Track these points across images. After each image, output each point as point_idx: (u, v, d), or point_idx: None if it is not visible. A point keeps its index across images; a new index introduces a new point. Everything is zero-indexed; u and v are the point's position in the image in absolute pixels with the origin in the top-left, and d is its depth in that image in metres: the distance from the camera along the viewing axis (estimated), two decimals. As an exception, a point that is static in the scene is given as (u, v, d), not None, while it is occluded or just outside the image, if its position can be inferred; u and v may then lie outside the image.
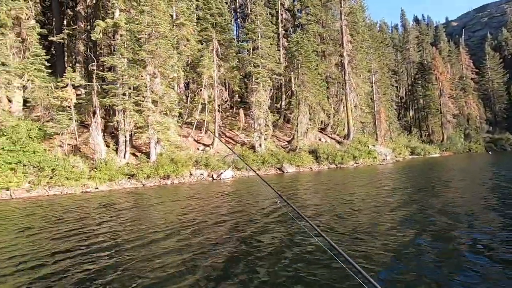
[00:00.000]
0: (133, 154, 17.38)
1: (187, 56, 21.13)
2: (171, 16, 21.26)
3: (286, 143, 24.96)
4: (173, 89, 20.98)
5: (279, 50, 27.41)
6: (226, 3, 28.41)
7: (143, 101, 16.02)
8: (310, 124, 26.93)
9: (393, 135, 45.47)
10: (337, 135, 29.52)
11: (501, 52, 77.04)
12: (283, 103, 28.08)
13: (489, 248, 4.94)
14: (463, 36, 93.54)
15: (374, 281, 1.63)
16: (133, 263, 4.75)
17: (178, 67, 20.82)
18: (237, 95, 28.56)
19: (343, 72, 28.35)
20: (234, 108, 27.61)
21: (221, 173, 17.76)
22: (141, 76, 15.99)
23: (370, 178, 16.86)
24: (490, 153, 45.12)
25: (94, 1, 20.28)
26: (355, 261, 2.04)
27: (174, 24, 20.97)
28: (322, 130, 29.52)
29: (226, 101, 22.31)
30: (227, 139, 23.36)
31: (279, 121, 27.44)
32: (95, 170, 14.76)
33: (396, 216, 7.33)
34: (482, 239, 5.34)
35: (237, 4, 32.77)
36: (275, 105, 30.65)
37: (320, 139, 27.39)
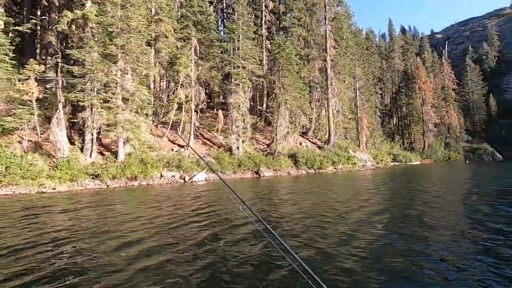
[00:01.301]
0: (101, 153, 16.53)
1: (165, 53, 20.44)
2: (151, 11, 20.58)
3: (266, 146, 24.56)
4: (148, 87, 20.25)
5: (262, 52, 27.12)
6: (212, 2, 27.98)
7: (111, 98, 15.24)
8: (291, 128, 26.66)
9: (377, 142, 45.93)
10: (319, 139, 29.38)
11: (481, 65, 79.75)
12: (265, 105, 27.72)
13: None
14: (446, 48, 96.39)
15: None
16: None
17: (152, 64, 20.17)
18: (219, 96, 28.00)
19: (325, 77, 28.28)
20: (215, 109, 27.03)
21: (194, 175, 17.12)
22: (111, 71, 15.22)
23: (345, 184, 16.62)
24: (467, 162, 46.21)
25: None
26: (305, 261, 2.08)
27: (152, 20, 20.29)
28: (304, 134, 29.32)
29: (203, 101, 21.69)
30: (204, 140, 22.74)
31: (260, 124, 27.04)
32: (56, 169, 13.87)
33: (361, 223, 6.98)
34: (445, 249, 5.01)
35: (224, 4, 32.29)
36: (258, 107, 30.27)
37: (300, 143, 27.14)
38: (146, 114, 18.12)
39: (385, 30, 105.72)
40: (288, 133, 26.40)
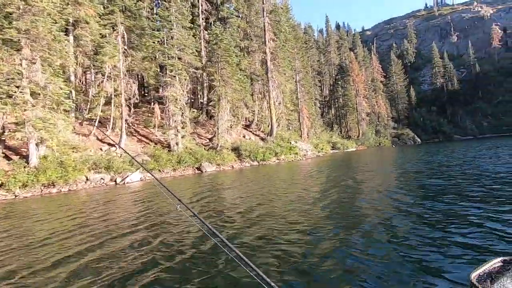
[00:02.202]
0: (7, 158, 14.00)
1: (88, 41, 18.12)
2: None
3: (208, 140, 23.83)
4: (68, 79, 17.81)
5: (200, 43, 26.03)
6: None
7: (15, 92, 12.88)
8: (234, 121, 26.35)
9: (317, 131, 48.58)
10: (262, 131, 29.66)
11: (403, 60, 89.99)
12: (205, 98, 26.82)
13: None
14: (375, 44, 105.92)
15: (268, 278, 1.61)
16: None
17: (71, 53, 17.77)
18: (156, 90, 26.15)
19: (266, 69, 28.50)
20: (152, 104, 25.21)
21: (127, 176, 15.66)
22: (13, 60, 12.83)
23: (286, 174, 16.97)
24: (394, 146, 51.82)
25: None
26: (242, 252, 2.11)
27: (69, 3, 17.73)
28: (247, 127, 29.30)
29: (135, 95, 19.95)
30: (140, 137, 21.05)
31: (201, 118, 26.10)
32: None
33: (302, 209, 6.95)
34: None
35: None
36: (200, 101, 29.21)
37: (244, 136, 27.04)
38: (66, 111, 15.87)
39: (323, 26, 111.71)
40: (231, 126, 26.04)
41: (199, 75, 26.82)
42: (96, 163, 15.38)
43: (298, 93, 39.14)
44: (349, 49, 75.89)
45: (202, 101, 27.39)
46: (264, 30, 28.22)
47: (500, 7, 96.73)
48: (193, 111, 26.31)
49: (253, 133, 28.74)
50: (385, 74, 73.36)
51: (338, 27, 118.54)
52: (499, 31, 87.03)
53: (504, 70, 73.99)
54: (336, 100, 63.84)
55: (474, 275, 1.25)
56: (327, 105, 66.78)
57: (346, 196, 8.86)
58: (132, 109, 23.85)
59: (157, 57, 19.62)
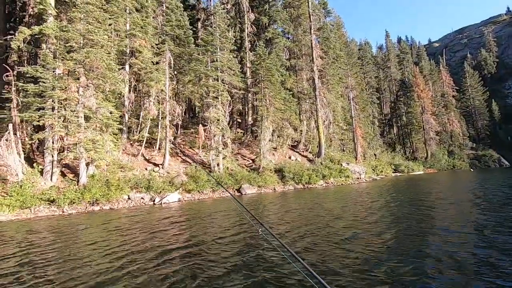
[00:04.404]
0: (64, 175, 15.31)
1: (138, 69, 19.61)
2: (125, 26, 19.95)
3: (251, 161, 23.17)
4: (123, 104, 19.30)
5: (245, 64, 26.29)
6: (191, 16, 27.56)
7: (71, 116, 14.19)
8: (279, 141, 25.37)
9: (376, 153, 44.32)
10: (310, 152, 27.92)
11: (480, 71, 78.69)
12: (250, 119, 26.57)
13: None
14: (444, 56, 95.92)
15: None
16: None
17: (127, 80, 19.32)
18: (203, 111, 27.01)
19: (313, 88, 27.22)
20: (200, 125, 25.95)
21: (164, 196, 15.72)
22: (71, 88, 14.26)
23: (332, 200, 15.04)
24: (472, 170, 44.06)
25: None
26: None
27: (126, 36, 19.63)
28: (294, 147, 27.94)
29: (178, 116, 20.58)
30: (184, 157, 21.48)
31: (245, 138, 25.77)
32: (6, 195, 12.63)
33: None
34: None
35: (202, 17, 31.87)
36: (246, 122, 29.15)
37: (290, 157, 25.71)
38: (115, 134, 16.98)
39: (383, 42, 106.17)
40: (275, 148, 25.10)
41: (245, 96, 26.91)
42: (137, 182, 15.83)
43: (352, 111, 36.51)
44: (413, 63, 69.73)
45: (247, 122, 27.22)
46: (312, 48, 27.27)
47: None
48: (238, 132, 26.22)
49: (300, 154, 27.22)
50: (458, 88, 64.78)
51: (399, 40, 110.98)
52: None
53: None
54: (399, 118, 58.19)
55: None
56: (388, 124, 61.25)
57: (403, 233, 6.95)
58: (181, 130, 24.83)
59: (200, 80, 20.15)
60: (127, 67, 20.00)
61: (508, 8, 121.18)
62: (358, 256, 5.58)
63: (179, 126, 23.25)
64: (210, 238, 7.65)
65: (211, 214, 11.96)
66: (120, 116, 19.71)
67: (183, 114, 24.24)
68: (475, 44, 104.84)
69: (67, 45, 14.44)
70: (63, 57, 14.45)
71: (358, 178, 25.59)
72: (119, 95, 19.45)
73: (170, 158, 19.70)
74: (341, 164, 25.74)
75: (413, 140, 53.69)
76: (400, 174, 39.16)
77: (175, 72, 22.55)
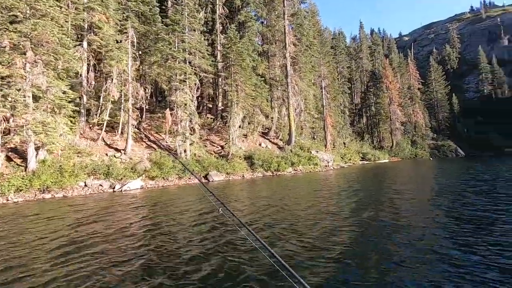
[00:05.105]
0: (10, 161, 13.95)
1: (97, 46, 18.09)
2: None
3: (220, 148, 22.75)
4: (80, 83, 17.83)
5: (216, 47, 25.35)
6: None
7: (17, 95, 12.79)
8: (250, 128, 25.10)
9: (346, 141, 45.65)
10: (280, 139, 27.99)
11: (444, 65, 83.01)
12: (220, 104, 25.91)
13: None
14: (412, 49, 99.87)
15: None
16: None
17: (85, 57, 17.82)
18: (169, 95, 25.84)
19: (285, 74, 27.00)
20: (167, 110, 24.87)
21: (125, 183, 14.94)
22: (16, 63, 12.79)
23: (295, 186, 15.17)
24: (431, 159, 47.01)
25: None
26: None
27: (84, 9, 17.92)
28: (265, 134, 27.83)
29: (142, 99, 19.48)
30: (150, 143, 20.54)
31: (214, 124, 25.17)
32: None
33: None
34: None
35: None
36: (217, 107, 28.44)
37: (260, 144, 25.60)
38: (71, 116, 15.69)
39: (357, 33, 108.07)
40: (246, 134, 24.82)
41: (216, 81, 26.08)
42: (95, 169, 14.86)
43: (323, 100, 36.98)
44: (383, 55, 71.77)
45: (218, 107, 26.54)
46: (285, 33, 26.87)
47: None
48: (208, 118, 25.54)
49: (270, 141, 27.20)
50: (423, 81, 67.98)
51: (372, 32, 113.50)
52: (560, 32, 76.96)
53: None
54: (368, 108, 60.13)
55: None
56: (358, 114, 63.14)
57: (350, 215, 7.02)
58: (146, 114, 23.66)
59: (167, 61, 19.06)
60: (85, 43, 18.39)
61: (471, 7, 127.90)
62: (316, 237, 5.54)
63: (144, 110, 22.10)
64: (169, 223, 7.30)
65: (173, 200, 11.54)
66: (78, 98, 18.30)
67: (148, 97, 23.04)
68: (440, 39, 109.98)
69: (10, 14, 12.82)
70: (6, 28, 12.85)
71: (326, 165, 26.18)
72: (76, 75, 17.95)
73: (133, 143, 18.72)
74: (311, 152, 26.13)
75: (380, 130, 55.93)
76: (367, 162, 40.80)
77: (140, 52, 21.16)
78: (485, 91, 70.13)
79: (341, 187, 14.25)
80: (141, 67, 21.47)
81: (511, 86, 69.31)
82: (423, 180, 16.74)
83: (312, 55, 33.72)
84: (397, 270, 4.10)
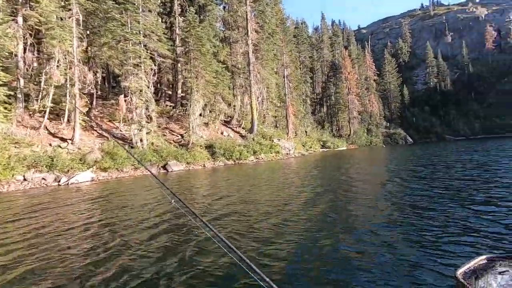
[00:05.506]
0: None
1: (36, 23, 16.05)
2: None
3: (180, 137, 21.97)
4: (16, 65, 15.79)
5: (174, 31, 24.04)
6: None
7: None
8: (211, 116, 24.54)
9: (307, 130, 47.01)
10: (243, 128, 27.86)
11: (397, 58, 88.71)
12: (180, 91, 24.87)
13: None
14: (369, 42, 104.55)
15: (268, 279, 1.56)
16: None
17: (20, 34, 15.76)
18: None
19: (247, 62, 26.65)
20: (120, 96, 23.23)
21: (73, 176, 13.76)
22: None
23: (256, 174, 15.25)
24: (384, 146, 50.51)
25: None
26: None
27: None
28: (227, 123, 27.46)
29: (91, 84, 17.90)
30: (102, 132, 19.10)
31: (174, 112, 24.15)
32: None
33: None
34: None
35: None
36: (177, 94, 27.27)
37: (222, 133, 25.23)
38: (5, 102, 13.87)
39: (318, 24, 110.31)
40: (208, 123, 24.25)
41: (175, 66, 24.86)
42: (36, 160, 13.44)
43: (286, 89, 37.41)
44: (343, 47, 74.35)
45: (177, 94, 25.45)
46: (246, 20, 26.33)
47: (494, 8, 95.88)
48: (167, 105, 24.41)
49: (233, 130, 26.94)
50: (378, 73, 71.98)
51: (333, 24, 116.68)
52: (493, 32, 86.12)
53: (497, 72, 73.17)
54: (328, 97, 62.29)
55: (460, 272, 1.32)
56: (319, 103, 65.16)
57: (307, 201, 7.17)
58: (98, 101, 21.93)
59: (119, 43, 17.59)
60: (19, 19, 16.22)
61: (422, 4, 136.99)
62: (271, 228, 5.52)
63: (95, 96, 20.39)
64: (115, 217, 6.80)
65: (124, 192, 10.88)
66: (13, 81, 16.30)
67: (100, 82, 21.27)
68: (394, 34, 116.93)
69: None
70: None
71: (287, 153, 26.72)
72: (11, 55, 15.85)
73: (82, 133, 17.24)
74: (272, 140, 26.42)
75: (339, 118, 58.47)
76: (327, 150, 42.58)
77: (88, 32, 19.28)
78: (431, 83, 76.48)
79: (299, 175, 14.62)
80: (89, 48, 19.61)
81: (452, 79, 76.45)
82: (375, 167, 17.85)
83: (275, 43, 33.66)
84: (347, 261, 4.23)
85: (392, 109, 68.35)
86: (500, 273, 1.31)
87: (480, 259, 1.43)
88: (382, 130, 60.27)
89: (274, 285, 1.51)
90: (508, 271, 1.32)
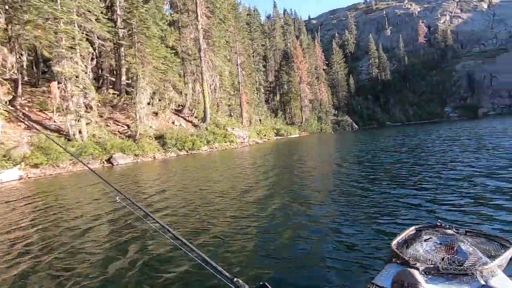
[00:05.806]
0: None
1: None
2: None
3: (126, 127, 20.45)
4: None
5: (115, 11, 21.87)
6: None
7: None
8: (161, 105, 23.25)
9: (261, 118, 47.53)
10: (195, 117, 26.99)
11: (344, 49, 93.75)
12: (124, 78, 22.97)
13: None
14: (319, 33, 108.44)
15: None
16: None
17: None
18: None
19: (198, 48, 25.60)
20: (52, 83, 20.61)
21: (-5, 175, 11.95)
22: None
23: (210, 164, 14.95)
24: (333, 132, 53.65)
25: None
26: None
27: None
28: (178, 112, 26.31)
29: (13, 68, 15.53)
30: (31, 124, 16.78)
31: (120, 101, 22.31)
32: None
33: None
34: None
35: None
36: (121, 81, 25.13)
37: (174, 122, 24.14)
38: None
39: (271, 12, 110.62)
40: (157, 112, 22.94)
41: (118, 51, 22.76)
42: None
43: (239, 77, 37.06)
44: (295, 36, 75.89)
45: (122, 82, 23.46)
46: (196, 3, 25.09)
47: (426, 5, 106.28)
48: (110, 93, 22.40)
49: (185, 119, 25.94)
50: (327, 63, 75.32)
51: (285, 13, 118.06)
52: (425, 28, 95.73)
53: (427, 64, 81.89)
54: (281, 86, 63.54)
55: (394, 243, 1.50)
56: (272, 92, 66.12)
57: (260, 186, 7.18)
58: (24, 88, 19.18)
59: (47, 21, 15.35)
60: None
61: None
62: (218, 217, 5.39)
63: (20, 82, 17.77)
64: (53, 218, 6.02)
65: (58, 191, 9.77)
66: None
67: (26, 67, 18.56)
68: (341, 25, 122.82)
69: None
70: None
71: (242, 142, 26.72)
72: None
73: (5, 124, 14.97)
74: (226, 129, 26.14)
75: (291, 107, 60.25)
76: (281, 137, 43.70)
77: (7, 7, 16.49)
78: (373, 73, 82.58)
79: (253, 164, 14.70)
80: (10, 27, 16.84)
81: (391, 70, 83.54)
82: (325, 154, 18.80)
83: (227, 29, 32.88)
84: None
85: (340, 97, 72.46)
86: (425, 240, 1.50)
87: (410, 230, 1.61)
88: (331, 117, 63.75)
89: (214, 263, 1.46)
90: (431, 238, 1.51)
